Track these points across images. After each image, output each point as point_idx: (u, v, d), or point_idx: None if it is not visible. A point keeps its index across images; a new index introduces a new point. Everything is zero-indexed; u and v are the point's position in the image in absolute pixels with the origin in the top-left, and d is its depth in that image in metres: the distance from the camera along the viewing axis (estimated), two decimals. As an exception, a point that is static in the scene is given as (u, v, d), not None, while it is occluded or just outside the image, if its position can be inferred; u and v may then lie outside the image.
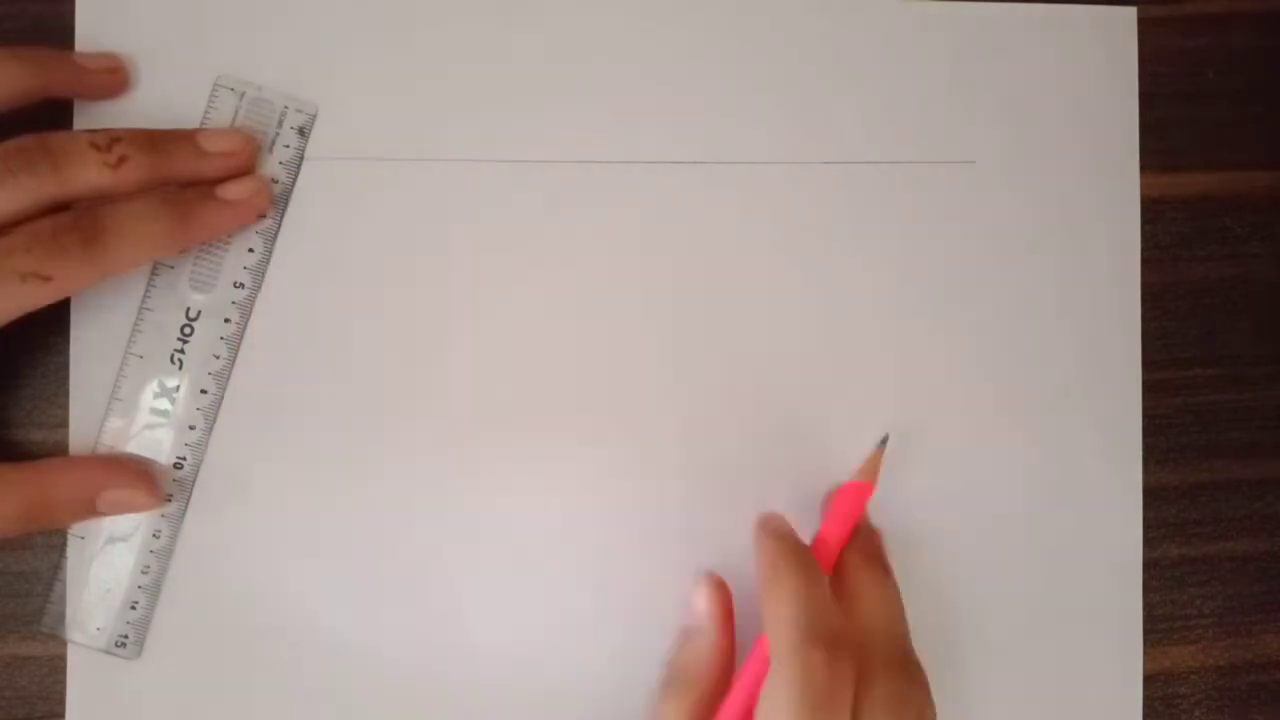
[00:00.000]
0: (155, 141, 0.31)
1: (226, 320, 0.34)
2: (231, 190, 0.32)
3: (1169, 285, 0.35)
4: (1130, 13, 0.34)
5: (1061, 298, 0.34)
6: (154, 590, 0.34)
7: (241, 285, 0.34)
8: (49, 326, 0.34)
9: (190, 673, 0.34)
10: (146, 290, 0.33)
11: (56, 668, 0.34)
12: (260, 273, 0.34)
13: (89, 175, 0.30)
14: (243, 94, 0.34)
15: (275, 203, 0.34)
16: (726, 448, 0.34)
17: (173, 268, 0.33)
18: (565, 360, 0.34)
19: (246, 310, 0.34)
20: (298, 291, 0.34)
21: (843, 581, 0.31)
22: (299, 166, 0.34)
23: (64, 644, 0.34)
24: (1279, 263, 0.35)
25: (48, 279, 0.29)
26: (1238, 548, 0.35)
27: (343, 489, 0.34)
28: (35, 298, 0.29)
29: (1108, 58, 0.35)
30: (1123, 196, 0.34)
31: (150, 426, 0.34)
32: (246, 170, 0.33)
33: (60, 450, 0.34)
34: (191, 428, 0.34)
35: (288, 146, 0.34)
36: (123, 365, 0.34)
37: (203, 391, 0.34)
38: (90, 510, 0.32)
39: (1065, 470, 0.34)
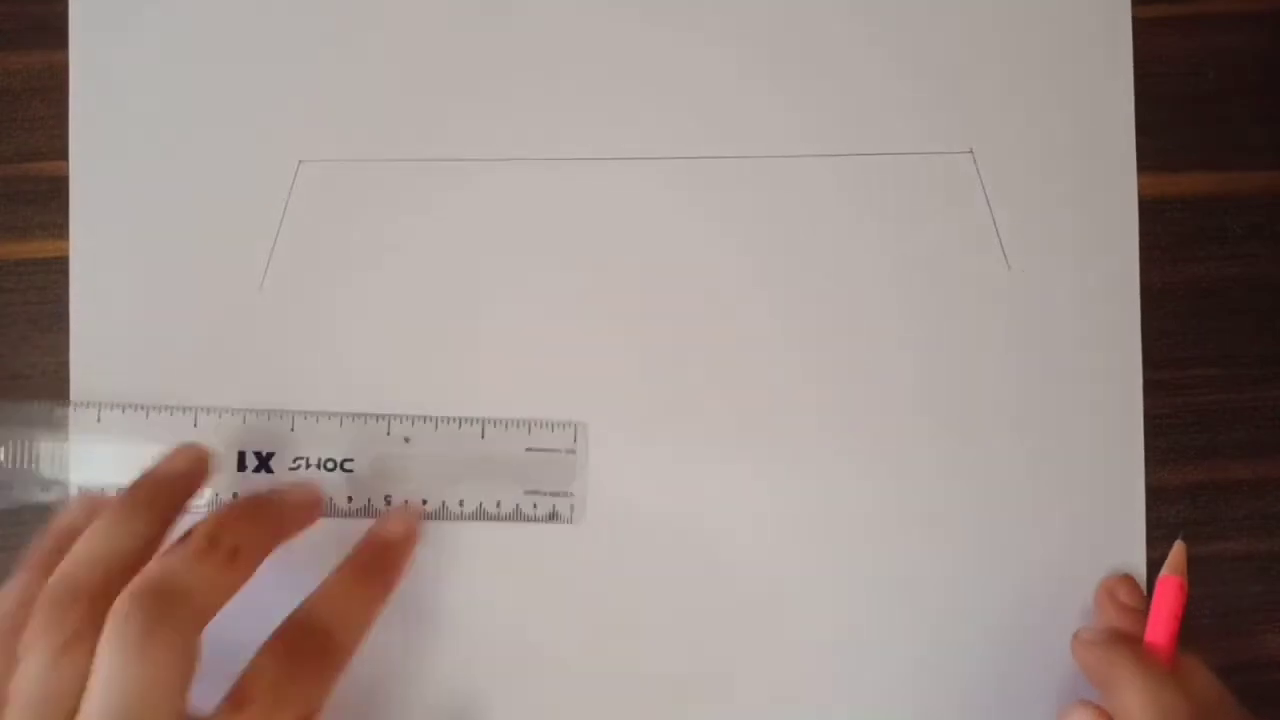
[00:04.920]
0: (258, 512, 0.30)
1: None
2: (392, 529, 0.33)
3: (1169, 285, 0.35)
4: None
5: (1061, 298, 0.34)
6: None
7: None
8: (49, 326, 0.34)
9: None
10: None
11: (56, 667, 0.34)
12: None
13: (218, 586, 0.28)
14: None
15: None
16: (727, 445, 0.34)
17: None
18: (564, 362, 0.34)
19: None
20: (295, 296, 0.34)
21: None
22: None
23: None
24: (1279, 263, 0.35)
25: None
26: (1237, 548, 0.35)
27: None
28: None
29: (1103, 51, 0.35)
30: (1120, 194, 0.34)
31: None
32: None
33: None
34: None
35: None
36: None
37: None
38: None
39: (1067, 472, 0.34)
